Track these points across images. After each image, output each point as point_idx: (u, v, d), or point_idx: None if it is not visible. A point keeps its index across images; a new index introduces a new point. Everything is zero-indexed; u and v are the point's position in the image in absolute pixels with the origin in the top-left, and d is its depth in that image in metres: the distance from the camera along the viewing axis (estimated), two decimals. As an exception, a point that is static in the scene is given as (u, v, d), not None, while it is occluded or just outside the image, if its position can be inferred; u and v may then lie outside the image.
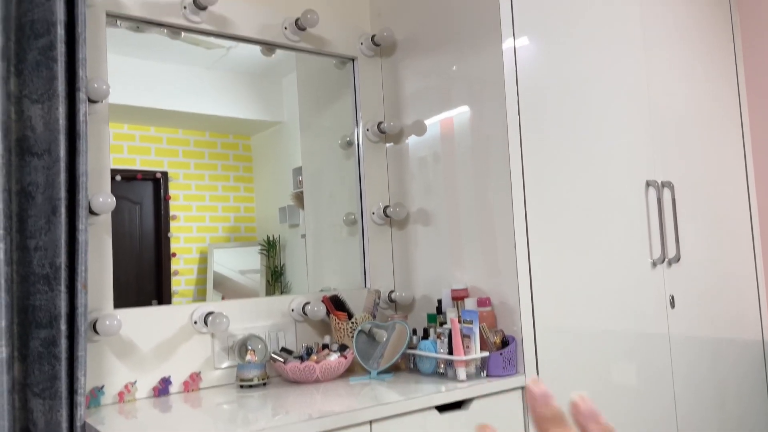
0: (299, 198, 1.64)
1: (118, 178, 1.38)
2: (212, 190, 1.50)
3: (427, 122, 1.63)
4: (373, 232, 1.73)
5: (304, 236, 1.64)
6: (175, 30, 1.48)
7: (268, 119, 1.59)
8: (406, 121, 1.70)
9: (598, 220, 1.56)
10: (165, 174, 1.45)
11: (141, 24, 1.43)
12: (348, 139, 1.76)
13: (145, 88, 1.44)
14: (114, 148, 1.38)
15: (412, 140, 1.69)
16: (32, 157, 1.18)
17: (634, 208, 1.65)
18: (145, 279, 1.40)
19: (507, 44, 1.42)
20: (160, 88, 1.46)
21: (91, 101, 1.28)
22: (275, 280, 1.57)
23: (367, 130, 1.75)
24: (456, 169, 1.54)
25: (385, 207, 1.72)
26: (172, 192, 1.45)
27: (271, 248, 1.58)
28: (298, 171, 1.66)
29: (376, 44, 1.74)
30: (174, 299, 1.43)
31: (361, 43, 1.75)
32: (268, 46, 1.63)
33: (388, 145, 1.78)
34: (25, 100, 1.19)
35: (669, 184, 1.73)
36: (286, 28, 1.62)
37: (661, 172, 1.74)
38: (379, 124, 1.73)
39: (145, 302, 1.39)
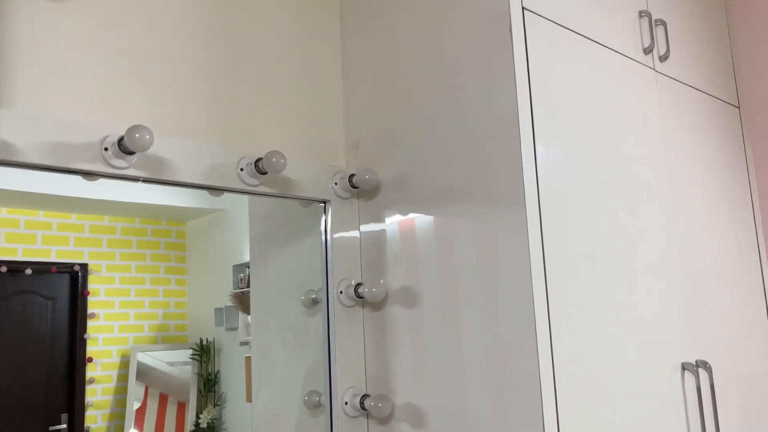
0: (240, 299, 1.39)
1: (29, 271, 1.19)
2: (139, 283, 1.31)
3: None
4: (345, 427, 1.33)
5: (244, 343, 1.38)
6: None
7: (207, 207, 1.35)
8: (392, 285, 1.35)
9: (629, 409, 1.23)
10: (84, 266, 1.26)
11: (43, 170, 1.04)
12: (313, 296, 1.39)
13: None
14: (25, 237, 1.17)
15: (397, 309, 1.33)
16: None
17: (669, 394, 1.33)
18: (55, 388, 1.20)
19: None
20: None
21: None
22: (208, 390, 1.34)
23: (341, 292, 1.38)
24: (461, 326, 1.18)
25: (363, 397, 1.33)
26: (91, 286, 1.27)
27: (204, 353, 1.36)
28: (239, 268, 1.38)
29: (355, 186, 1.39)
30: (88, 412, 1.22)
31: (336, 183, 1.40)
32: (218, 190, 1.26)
33: (365, 310, 1.41)
34: None
35: (705, 365, 1.43)
36: (242, 169, 1.25)
37: (696, 351, 1.44)
38: (357, 286, 1.37)
39: (54, 416, 1.17)
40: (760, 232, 1.80)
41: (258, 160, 1.23)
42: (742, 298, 1.66)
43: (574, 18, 1.32)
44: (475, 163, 1.20)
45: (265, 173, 1.25)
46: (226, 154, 1.24)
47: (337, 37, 1.54)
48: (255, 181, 1.26)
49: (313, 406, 1.36)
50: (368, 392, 1.37)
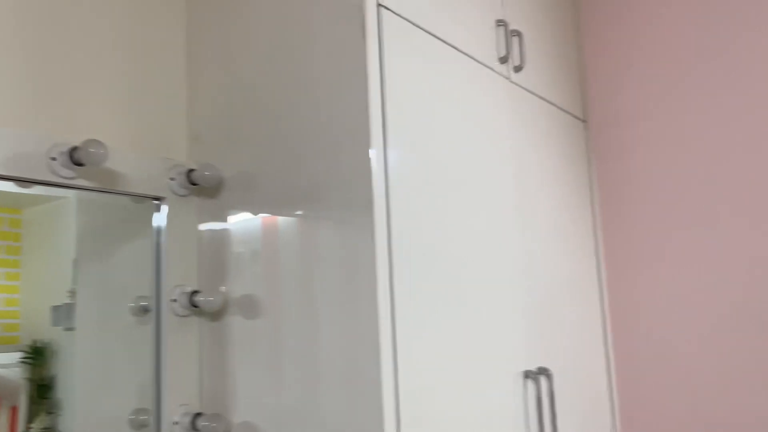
0: (79, 297, 1.22)
1: None
2: (-38, 277, 1.13)
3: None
4: (173, 452, 1.20)
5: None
6: None
7: (48, 194, 1.18)
8: (234, 293, 1.24)
9: (472, 417, 1.21)
10: None
11: None
12: (144, 303, 1.25)
13: None
14: None
15: (240, 319, 1.22)
16: None
17: (512, 402, 1.34)
18: None
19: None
20: None
21: None
22: (41, 396, 1.18)
23: (174, 300, 1.24)
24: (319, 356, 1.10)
25: (195, 416, 1.21)
26: None
27: (37, 356, 1.20)
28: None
29: (194, 183, 1.26)
30: None
31: (172, 179, 1.26)
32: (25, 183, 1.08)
33: (202, 320, 1.29)
34: None
35: (546, 372, 1.46)
36: (54, 159, 1.08)
37: (538, 359, 1.47)
38: (193, 294, 1.24)
39: None
40: (599, 244, 1.89)
41: (74, 149, 1.07)
42: (581, 307, 1.73)
43: (432, 20, 1.29)
44: (326, 165, 1.13)
45: (82, 164, 1.09)
46: (36, 141, 1.06)
47: (183, 22, 1.40)
48: (70, 173, 1.10)
49: (140, 426, 1.22)
50: (202, 411, 1.24)
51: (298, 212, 1.15)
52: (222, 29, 1.34)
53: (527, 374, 1.40)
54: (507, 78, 1.53)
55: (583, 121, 1.94)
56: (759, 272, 1.64)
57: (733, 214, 1.69)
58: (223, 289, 1.25)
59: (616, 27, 1.95)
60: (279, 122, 1.20)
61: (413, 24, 1.23)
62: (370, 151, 1.07)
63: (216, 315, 1.26)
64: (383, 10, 1.15)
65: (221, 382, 1.23)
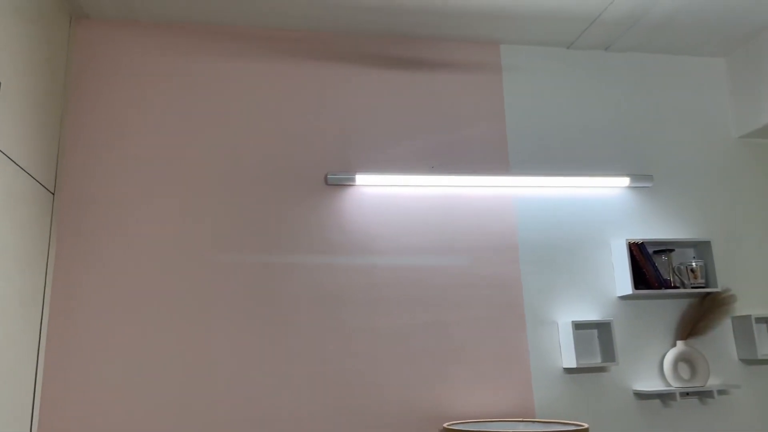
0: None
1: None
2: None
3: None
4: None
5: None
6: None
7: None
8: None
9: None
10: None
11: None
12: None
13: None
14: None
15: None
16: None
17: None
18: None
19: None
20: None
21: None
22: None
23: None
24: None
25: None
26: None
27: None
28: None
29: None
30: None
31: None
32: None
33: None
34: None
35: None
36: None
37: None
38: None
39: None
40: (44, 329, 1.73)
41: None
42: (6, 400, 1.52)
43: None
44: None
45: None
46: None
47: None
48: None
49: None
50: None
51: None
52: None
53: None
54: (-27, 126, 1.31)
55: (53, 193, 1.80)
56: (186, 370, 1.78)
57: (165, 308, 1.82)
58: None
59: (98, 117, 1.94)
60: None
61: None
62: None
63: None
64: None
65: None
